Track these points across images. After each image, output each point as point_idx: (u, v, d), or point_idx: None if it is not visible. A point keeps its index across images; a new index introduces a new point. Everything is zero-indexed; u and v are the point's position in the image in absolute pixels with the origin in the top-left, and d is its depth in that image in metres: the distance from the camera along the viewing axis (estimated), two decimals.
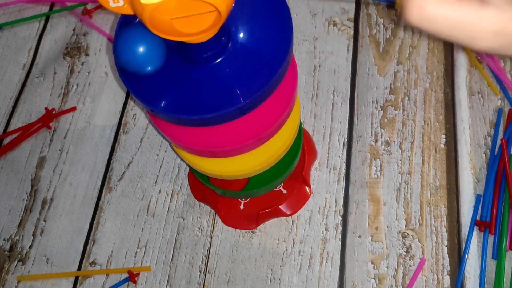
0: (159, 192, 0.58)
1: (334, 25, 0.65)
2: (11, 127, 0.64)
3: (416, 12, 0.23)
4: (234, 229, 0.55)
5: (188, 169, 0.59)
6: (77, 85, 0.65)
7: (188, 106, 0.34)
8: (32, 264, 0.56)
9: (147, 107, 0.35)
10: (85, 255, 0.56)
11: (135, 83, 0.35)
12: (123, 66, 0.33)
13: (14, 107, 0.65)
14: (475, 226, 0.52)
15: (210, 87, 0.35)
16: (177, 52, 0.35)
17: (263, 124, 0.39)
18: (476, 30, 0.23)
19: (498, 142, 0.55)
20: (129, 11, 0.29)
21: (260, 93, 0.34)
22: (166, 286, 0.53)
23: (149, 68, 0.33)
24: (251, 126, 0.39)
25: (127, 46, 0.32)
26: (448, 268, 0.51)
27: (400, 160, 0.57)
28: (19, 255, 0.57)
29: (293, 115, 0.43)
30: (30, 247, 0.57)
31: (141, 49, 0.32)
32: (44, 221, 0.58)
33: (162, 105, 0.34)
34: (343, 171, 0.57)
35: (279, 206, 0.54)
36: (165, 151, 0.60)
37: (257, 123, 0.39)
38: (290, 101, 0.39)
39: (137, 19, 0.37)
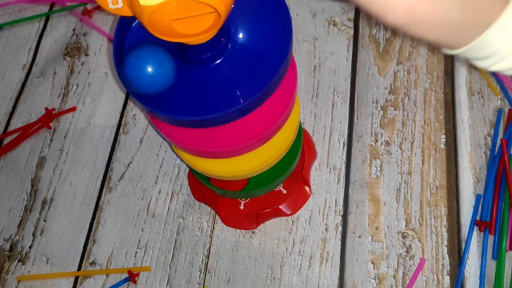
0: (159, 192, 0.58)
1: (334, 25, 0.65)
2: (11, 127, 0.63)
3: None
4: (234, 229, 0.55)
5: (188, 169, 0.59)
6: (77, 85, 0.65)
7: (188, 107, 0.34)
8: (32, 264, 0.56)
9: (147, 108, 0.35)
10: (85, 255, 0.56)
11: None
12: (135, 90, 0.32)
13: (14, 107, 0.65)
14: (475, 226, 0.52)
15: (210, 88, 0.35)
16: (177, 53, 0.35)
17: (263, 124, 0.39)
18: (390, 5, 0.26)
19: (498, 142, 0.55)
20: (128, 13, 0.29)
21: (260, 93, 0.34)
22: (166, 286, 0.53)
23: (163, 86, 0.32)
24: (251, 126, 0.39)
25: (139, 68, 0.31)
26: (448, 268, 0.51)
27: (400, 160, 0.57)
28: (19, 255, 0.57)
29: (293, 115, 0.43)
30: (30, 247, 0.57)
31: (151, 69, 0.31)
32: (44, 221, 0.58)
33: (162, 106, 0.34)
34: (343, 171, 0.57)
35: (279, 206, 0.54)
36: (165, 152, 0.60)
37: (257, 124, 0.39)
38: (290, 102, 0.39)
39: (136, 20, 0.37)
